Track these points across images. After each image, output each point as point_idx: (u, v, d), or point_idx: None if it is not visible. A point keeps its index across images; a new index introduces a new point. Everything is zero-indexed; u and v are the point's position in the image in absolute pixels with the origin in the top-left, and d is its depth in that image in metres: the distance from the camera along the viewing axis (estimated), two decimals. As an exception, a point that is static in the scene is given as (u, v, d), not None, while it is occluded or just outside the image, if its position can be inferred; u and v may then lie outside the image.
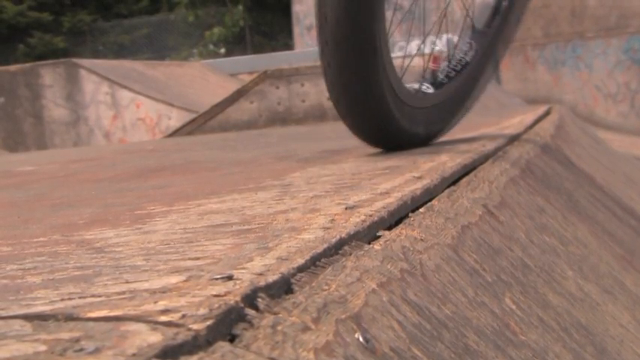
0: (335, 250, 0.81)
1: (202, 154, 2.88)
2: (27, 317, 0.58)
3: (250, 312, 0.59)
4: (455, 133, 2.27)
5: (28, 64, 10.11)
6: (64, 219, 1.24)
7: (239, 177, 1.73)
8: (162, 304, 0.58)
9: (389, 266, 0.82)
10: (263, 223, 0.97)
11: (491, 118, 3.74)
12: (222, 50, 20.39)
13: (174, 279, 0.67)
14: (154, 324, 0.53)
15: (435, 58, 2.14)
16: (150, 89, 9.48)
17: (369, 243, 0.90)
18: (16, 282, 0.74)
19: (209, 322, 0.54)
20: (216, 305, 0.57)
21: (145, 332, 0.52)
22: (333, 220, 0.96)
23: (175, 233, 0.96)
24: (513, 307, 0.98)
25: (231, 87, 8.81)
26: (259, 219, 1.02)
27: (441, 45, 2.17)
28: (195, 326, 0.53)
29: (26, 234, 1.11)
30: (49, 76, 9.52)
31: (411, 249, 0.91)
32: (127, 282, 0.68)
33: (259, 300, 0.61)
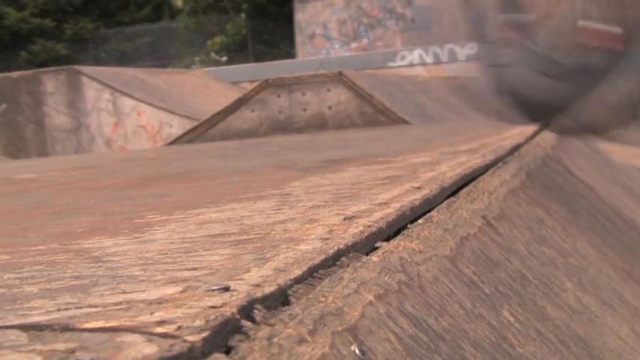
0: (332, 262, 0.81)
1: (203, 163, 2.88)
2: (23, 327, 0.58)
3: (246, 324, 0.59)
4: (456, 143, 2.26)
5: (29, 71, 10.11)
6: (63, 227, 1.25)
7: (239, 186, 1.73)
8: (158, 315, 0.58)
9: (386, 278, 0.81)
10: (261, 234, 0.98)
11: (492, 128, 3.74)
12: (224, 58, 20.40)
13: (171, 290, 0.67)
14: (150, 335, 0.53)
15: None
16: (151, 97, 9.49)
17: (367, 254, 0.90)
18: (13, 291, 0.74)
19: (205, 334, 0.54)
20: (213, 317, 0.57)
21: (141, 343, 0.52)
22: (331, 230, 0.96)
23: (173, 243, 0.96)
24: (511, 319, 0.98)
25: (232, 95, 8.82)
26: (257, 229, 1.02)
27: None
28: (191, 338, 0.53)
29: (25, 242, 1.11)
30: (51, 83, 9.53)
31: (409, 260, 0.91)
32: (124, 292, 0.68)
33: (256, 312, 0.61)
